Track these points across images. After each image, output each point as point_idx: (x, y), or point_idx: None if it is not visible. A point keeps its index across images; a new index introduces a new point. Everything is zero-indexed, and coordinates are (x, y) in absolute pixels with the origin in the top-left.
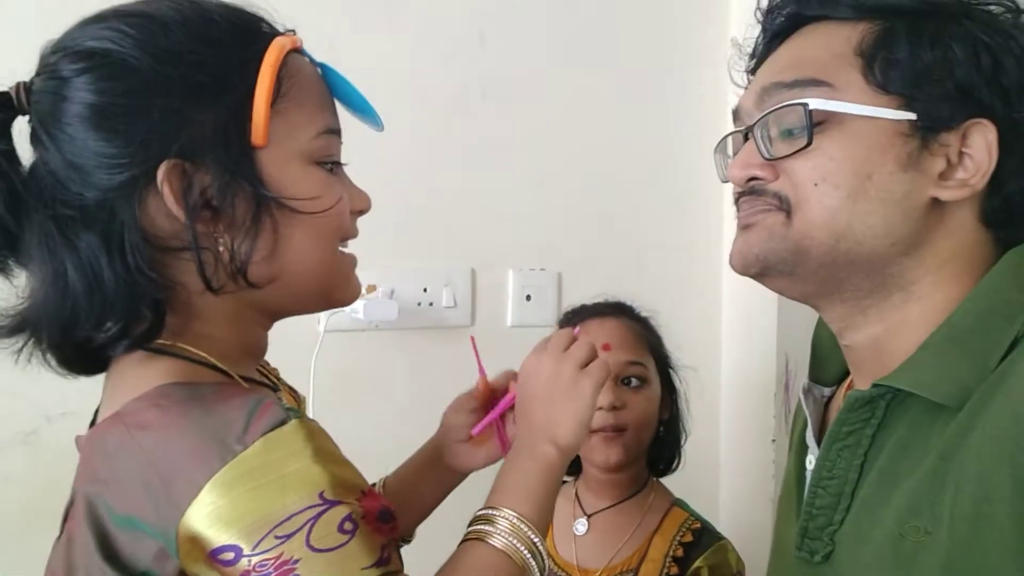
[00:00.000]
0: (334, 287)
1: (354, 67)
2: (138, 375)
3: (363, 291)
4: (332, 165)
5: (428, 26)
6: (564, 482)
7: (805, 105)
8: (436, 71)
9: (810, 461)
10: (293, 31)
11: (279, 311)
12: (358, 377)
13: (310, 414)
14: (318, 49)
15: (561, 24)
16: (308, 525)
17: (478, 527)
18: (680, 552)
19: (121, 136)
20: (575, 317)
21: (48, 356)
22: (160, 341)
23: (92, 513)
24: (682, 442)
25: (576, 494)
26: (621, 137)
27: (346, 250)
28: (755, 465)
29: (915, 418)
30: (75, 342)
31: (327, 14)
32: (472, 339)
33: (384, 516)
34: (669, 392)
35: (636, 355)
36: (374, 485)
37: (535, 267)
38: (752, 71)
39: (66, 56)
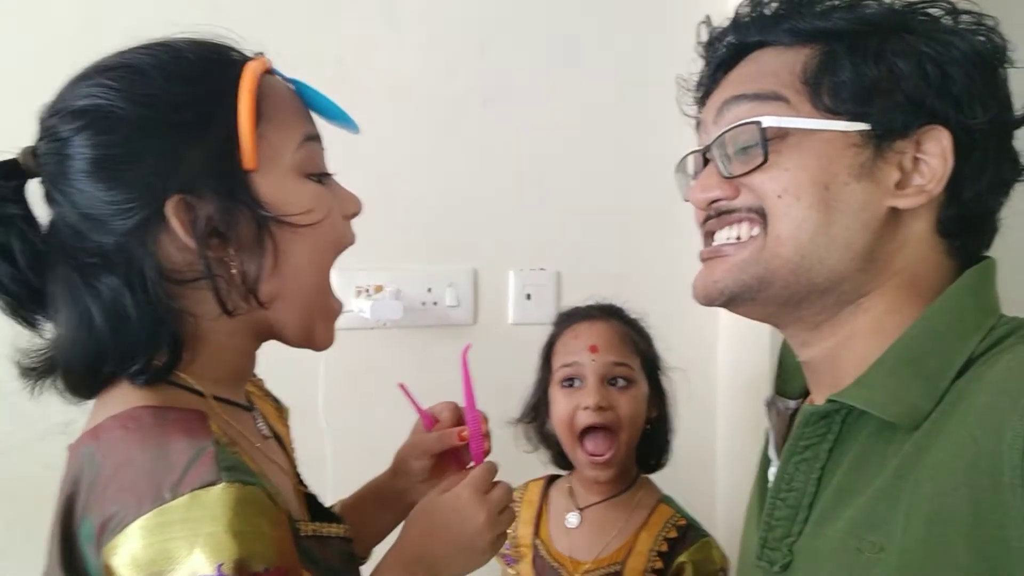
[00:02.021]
0: (319, 317)
1: (362, 78)
2: (120, 394)
3: (371, 291)
4: (320, 176)
5: (431, 39)
6: (558, 476)
7: (758, 123)
8: (439, 81)
9: (772, 473)
10: (261, 53)
11: (269, 332)
12: (365, 373)
13: (319, 410)
14: (328, 63)
15: (558, 34)
16: None
17: None
18: (664, 547)
19: (124, 182)
20: (567, 319)
21: (58, 384)
22: None
23: (64, 519)
24: (671, 440)
25: (571, 488)
26: (617, 140)
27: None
28: (751, 463)
29: (872, 434)
30: (100, 378)
31: (336, 30)
32: (402, 386)
33: None
34: (657, 392)
35: (622, 356)
36: (333, 507)
37: (535, 267)
38: (701, 102)
39: (62, 117)
